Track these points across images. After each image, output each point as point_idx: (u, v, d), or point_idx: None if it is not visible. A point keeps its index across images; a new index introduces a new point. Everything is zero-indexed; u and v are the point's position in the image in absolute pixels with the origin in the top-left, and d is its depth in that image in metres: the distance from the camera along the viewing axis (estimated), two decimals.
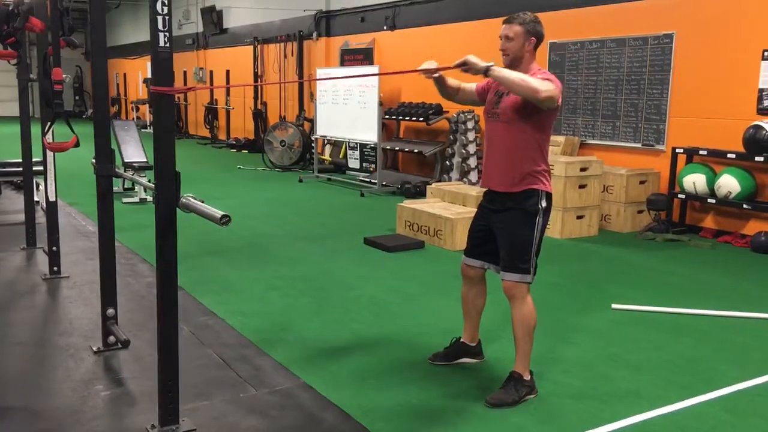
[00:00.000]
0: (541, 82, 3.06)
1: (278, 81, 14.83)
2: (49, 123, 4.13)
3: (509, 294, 3.30)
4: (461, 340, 3.69)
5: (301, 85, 13.95)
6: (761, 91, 6.66)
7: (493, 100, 3.33)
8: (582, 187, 7.00)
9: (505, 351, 3.63)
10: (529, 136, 3.21)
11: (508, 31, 3.24)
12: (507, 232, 3.28)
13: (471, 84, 3.51)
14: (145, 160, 8.97)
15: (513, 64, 3.26)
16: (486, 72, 3.08)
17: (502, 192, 3.30)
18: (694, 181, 6.98)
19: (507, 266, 3.28)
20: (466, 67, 3.12)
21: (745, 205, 6.64)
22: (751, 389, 3.47)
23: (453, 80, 3.53)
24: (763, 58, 6.61)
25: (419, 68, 3.27)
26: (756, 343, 4.12)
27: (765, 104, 6.64)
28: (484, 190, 3.46)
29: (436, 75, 3.32)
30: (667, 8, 7.44)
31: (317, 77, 11.34)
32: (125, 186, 9.15)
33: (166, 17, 2.56)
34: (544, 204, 3.26)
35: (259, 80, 15.64)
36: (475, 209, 3.63)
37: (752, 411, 3.24)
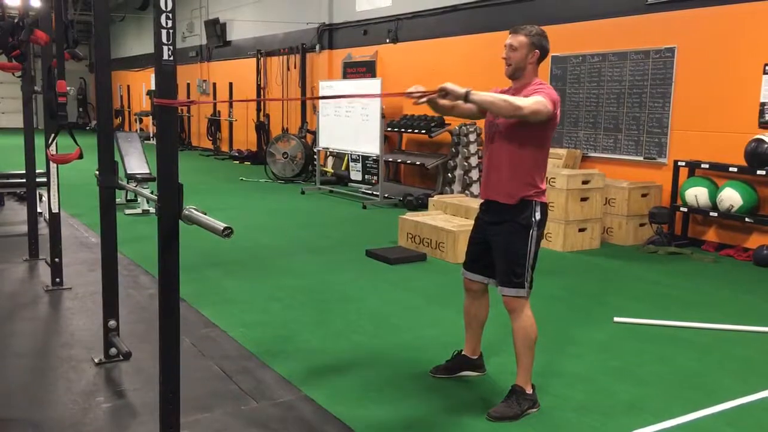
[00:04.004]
0: (524, 99, 3.08)
1: (280, 98, 14.87)
2: (52, 135, 4.14)
3: (508, 307, 3.31)
4: (463, 352, 3.69)
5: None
6: (763, 104, 6.67)
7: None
8: (584, 199, 7.00)
9: (507, 364, 3.62)
10: (527, 150, 3.22)
11: (513, 41, 3.25)
12: (502, 245, 3.30)
13: None
14: (148, 171, 9.00)
15: (515, 74, 3.28)
16: (466, 97, 3.06)
17: (499, 203, 3.31)
18: (696, 194, 6.98)
19: (503, 281, 3.30)
20: (444, 93, 3.10)
21: (747, 219, 6.63)
22: (755, 403, 3.45)
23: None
24: (765, 72, 6.63)
25: (405, 92, 3.21)
26: (759, 357, 4.10)
27: (767, 118, 6.65)
28: (481, 201, 3.47)
29: (423, 100, 3.23)
30: (669, 22, 7.47)
31: (320, 89, 11.38)
32: (128, 197, 9.18)
33: (170, 31, 2.58)
34: (538, 216, 3.26)
35: (262, 92, 15.71)
36: None
37: (756, 425, 3.22)
